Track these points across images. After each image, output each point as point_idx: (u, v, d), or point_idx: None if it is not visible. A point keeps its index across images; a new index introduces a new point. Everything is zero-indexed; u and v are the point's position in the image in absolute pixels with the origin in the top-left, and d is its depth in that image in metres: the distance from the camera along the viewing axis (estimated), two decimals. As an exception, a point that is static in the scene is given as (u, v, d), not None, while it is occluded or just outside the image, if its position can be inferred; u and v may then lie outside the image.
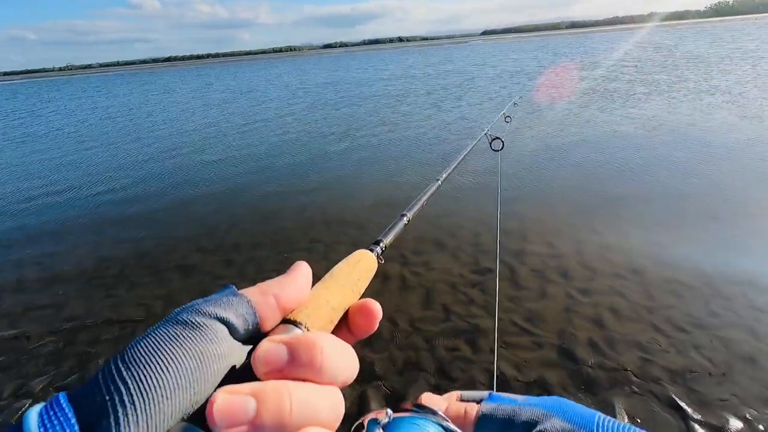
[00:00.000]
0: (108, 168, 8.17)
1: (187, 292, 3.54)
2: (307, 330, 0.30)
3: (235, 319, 0.27)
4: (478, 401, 0.44)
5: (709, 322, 2.70)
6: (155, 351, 0.24)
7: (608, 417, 0.39)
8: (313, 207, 5.23)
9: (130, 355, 0.24)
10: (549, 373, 2.40)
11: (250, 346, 0.28)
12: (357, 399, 2.31)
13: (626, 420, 2.07)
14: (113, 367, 0.24)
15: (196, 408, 0.24)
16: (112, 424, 0.22)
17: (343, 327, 0.34)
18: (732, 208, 4.28)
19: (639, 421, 2.07)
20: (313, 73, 33.98)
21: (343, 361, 0.27)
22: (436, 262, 3.66)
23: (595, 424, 0.38)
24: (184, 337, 0.25)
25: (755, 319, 2.71)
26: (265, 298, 0.30)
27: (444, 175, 0.82)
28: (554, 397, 0.43)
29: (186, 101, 20.21)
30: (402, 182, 5.93)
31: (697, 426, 2.02)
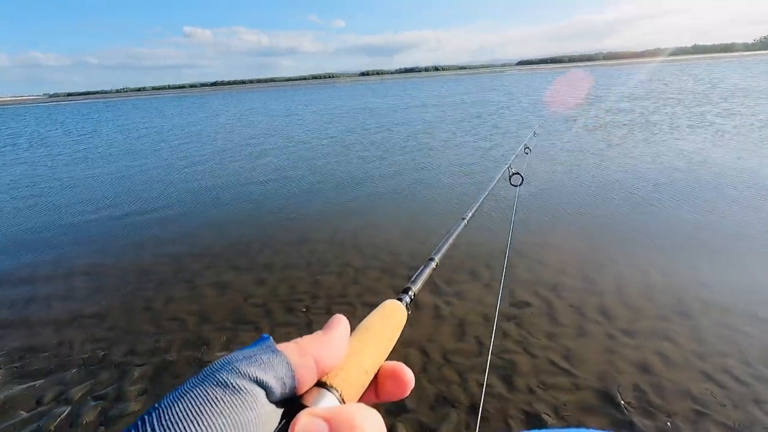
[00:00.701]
0: (150, 186, 8.62)
1: (220, 308, 3.61)
2: (342, 397, 0.29)
3: (274, 382, 0.26)
4: None
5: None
6: (194, 416, 0.23)
7: None
8: (344, 231, 5.28)
9: (167, 416, 0.23)
10: (588, 418, 2.25)
11: (283, 409, 0.27)
12: None
13: (678, 478, 1.90)
14: (150, 429, 0.23)
15: None
16: None
17: (371, 387, 0.33)
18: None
19: (693, 481, 1.89)
20: (343, 99, 35.00)
21: None
22: (469, 292, 3.57)
23: None
24: (223, 402, 0.24)
25: (824, 374, 2.46)
26: (304, 359, 0.29)
27: (470, 214, 0.82)
28: (582, 430, 0.40)
29: (230, 122, 21.22)
30: (435, 208, 5.91)
31: (760, 492, 1.82)
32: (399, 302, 0.40)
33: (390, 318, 0.38)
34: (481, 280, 3.75)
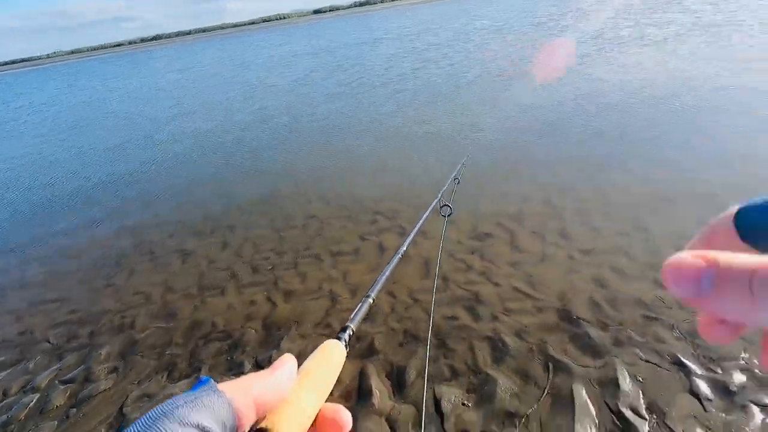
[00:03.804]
0: (102, 154, 8.09)
1: (184, 276, 3.53)
2: None
3: (215, 426, 0.26)
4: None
5: (715, 275, 2.61)
6: None
7: None
8: (308, 183, 5.13)
9: None
10: (549, 336, 2.36)
11: None
12: (357, 374, 2.31)
13: (628, 380, 2.04)
14: None
15: None
16: None
17: (310, 429, 0.33)
18: (741, 158, 4.09)
19: (642, 380, 2.04)
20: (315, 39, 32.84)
21: None
22: (434, 231, 3.57)
23: None
24: None
25: None
26: (245, 400, 0.29)
27: (403, 249, 0.87)
28: None
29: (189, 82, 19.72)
30: (398, 150, 5.78)
31: (701, 383, 1.98)
32: (338, 341, 0.42)
33: (329, 359, 0.39)
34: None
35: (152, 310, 3.17)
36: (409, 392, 2.17)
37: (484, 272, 2.96)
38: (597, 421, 1.89)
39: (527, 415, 1.96)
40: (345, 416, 0.34)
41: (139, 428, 0.24)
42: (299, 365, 0.36)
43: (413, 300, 2.80)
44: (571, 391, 2.04)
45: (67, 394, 2.50)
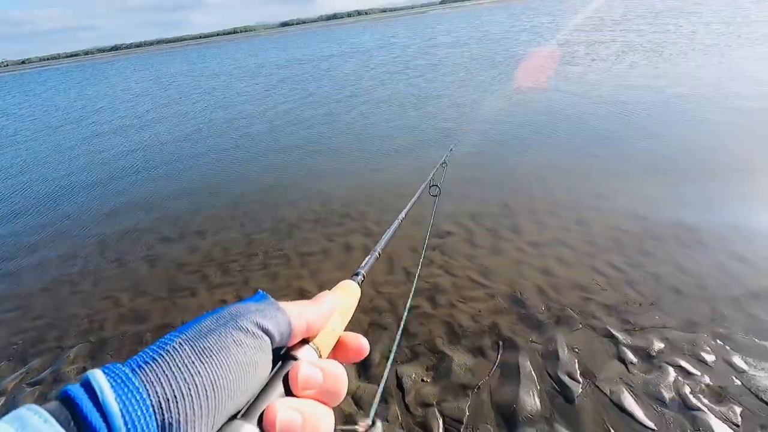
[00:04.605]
0: (64, 165, 7.86)
1: (154, 281, 3.57)
2: (319, 353, 0.36)
3: (277, 335, 0.32)
4: None
5: (642, 261, 2.97)
6: (224, 351, 0.27)
7: None
8: (277, 188, 5.26)
9: (201, 346, 0.27)
10: (500, 319, 2.62)
11: (273, 356, 0.33)
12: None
13: (566, 352, 2.31)
14: (186, 352, 0.26)
15: (245, 408, 0.28)
16: (187, 410, 0.24)
17: (333, 348, 0.40)
18: (672, 164, 4.59)
19: (578, 351, 2.31)
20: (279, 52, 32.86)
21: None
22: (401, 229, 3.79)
23: None
24: (246, 345, 0.29)
25: (683, 255, 3.00)
26: (300, 321, 0.34)
27: (402, 215, 1.02)
28: None
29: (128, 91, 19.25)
30: (364, 156, 6.01)
31: (627, 350, 2.28)
32: (353, 281, 0.49)
33: (348, 294, 0.46)
34: (408, 218, 3.98)
35: (122, 312, 3.20)
36: (373, 373, 2.35)
37: (444, 266, 3.20)
38: (539, 387, 2.14)
39: (479, 386, 2.19)
40: (364, 342, 0.40)
41: (218, 322, 0.30)
42: None
43: (377, 292, 3.00)
44: (518, 363, 2.28)
45: (36, 394, 2.51)
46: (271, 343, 0.31)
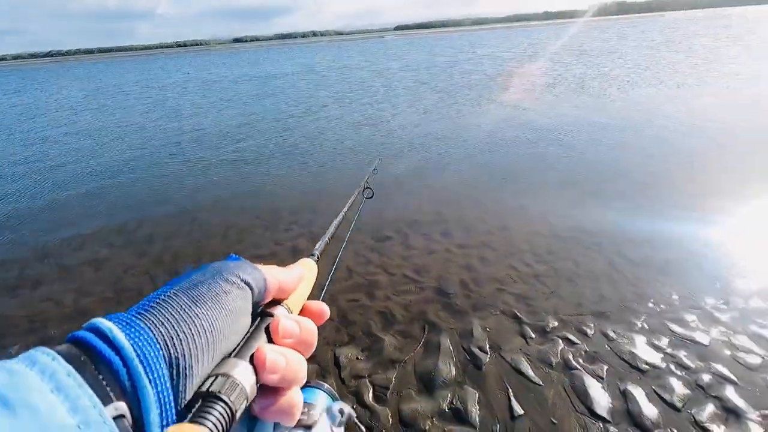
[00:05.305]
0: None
1: (99, 283, 3.62)
2: (291, 312, 0.39)
3: (256, 289, 0.34)
4: None
5: (548, 258, 3.51)
6: (215, 298, 0.30)
7: None
8: (226, 197, 5.41)
9: (194, 293, 0.29)
10: (428, 307, 3.00)
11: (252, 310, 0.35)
12: (270, 347, 2.70)
13: (479, 330, 2.73)
14: (182, 299, 0.28)
15: (237, 349, 0.31)
16: (191, 346, 0.26)
17: (299, 312, 0.42)
18: (584, 176, 5.33)
19: (489, 330, 2.74)
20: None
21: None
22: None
23: None
24: (234, 294, 0.31)
25: (580, 253, 3.58)
26: (273, 280, 0.36)
27: (340, 217, 0.95)
28: None
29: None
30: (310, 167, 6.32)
31: (528, 328, 2.74)
32: (311, 259, 0.55)
33: (308, 268, 0.51)
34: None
35: (65, 312, 3.24)
36: (314, 355, 2.62)
37: (381, 265, 3.57)
38: (454, 359, 2.53)
39: (405, 360, 2.54)
40: (326, 308, 0.43)
41: (206, 275, 0.32)
42: None
43: (320, 289, 3.28)
44: (439, 342, 2.67)
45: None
46: (252, 295, 0.34)
